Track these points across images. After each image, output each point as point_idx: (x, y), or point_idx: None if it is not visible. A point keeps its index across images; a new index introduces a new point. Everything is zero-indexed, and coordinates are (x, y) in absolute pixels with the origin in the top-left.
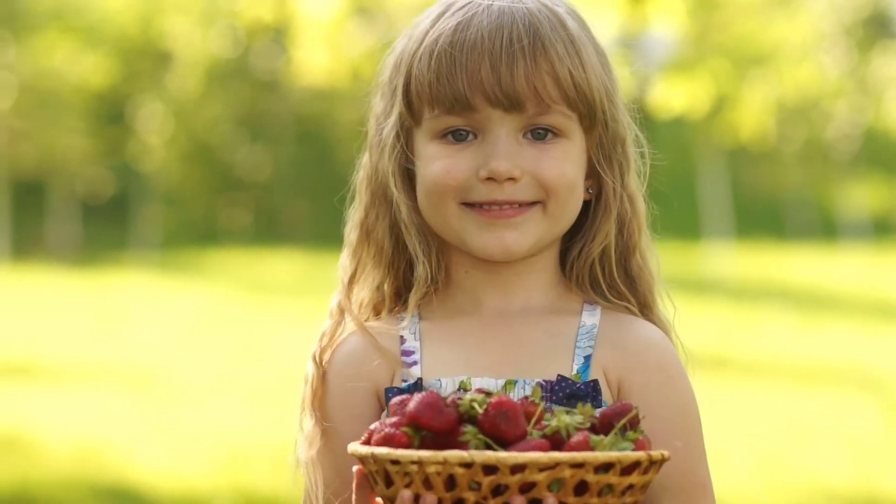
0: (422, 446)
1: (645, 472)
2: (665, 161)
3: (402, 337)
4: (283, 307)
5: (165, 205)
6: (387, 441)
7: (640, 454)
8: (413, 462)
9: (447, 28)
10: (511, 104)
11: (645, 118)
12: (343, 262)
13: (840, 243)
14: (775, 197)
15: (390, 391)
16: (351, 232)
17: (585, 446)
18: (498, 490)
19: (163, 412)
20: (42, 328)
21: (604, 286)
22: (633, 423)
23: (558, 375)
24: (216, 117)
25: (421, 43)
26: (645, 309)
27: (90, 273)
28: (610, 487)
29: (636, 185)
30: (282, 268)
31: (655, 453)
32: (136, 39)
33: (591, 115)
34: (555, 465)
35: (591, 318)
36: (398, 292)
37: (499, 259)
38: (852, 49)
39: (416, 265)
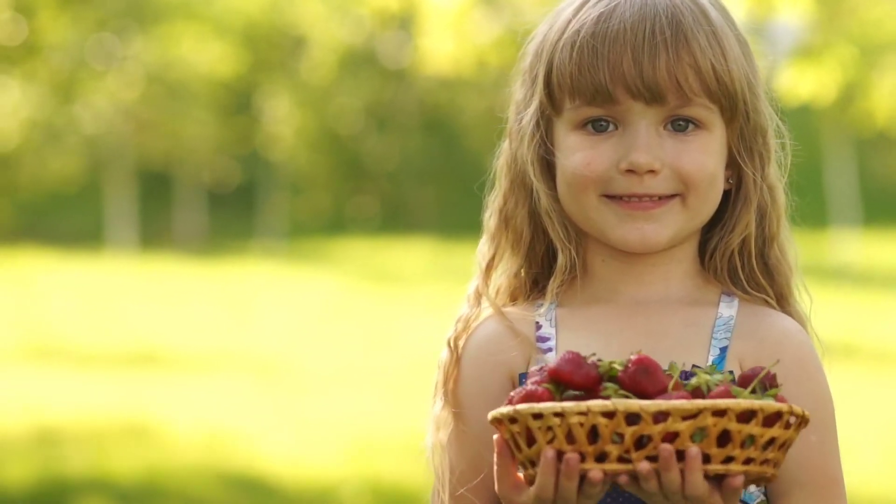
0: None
1: (787, 426)
2: (798, 146)
3: (538, 323)
4: (409, 296)
5: (292, 194)
6: (528, 398)
7: (782, 404)
8: (556, 414)
9: (590, 18)
10: (652, 96)
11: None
12: (481, 248)
13: None
14: None
15: (524, 376)
16: (490, 218)
17: (727, 395)
18: (641, 443)
19: (290, 401)
20: (169, 318)
21: (742, 277)
22: (773, 384)
23: (693, 366)
24: (345, 106)
25: (563, 32)
26: (782, 300)
27: (217, 262)
28: (752, 439)
29: (776, 176)
30: (408, 256)
31: (797, 407)
32: (263, 28)
33: (733, 107)
34: (697, 413)
35: (729, 309)
36: (536, 279)
37: (638, 251)
38: None
39: (556, 253)
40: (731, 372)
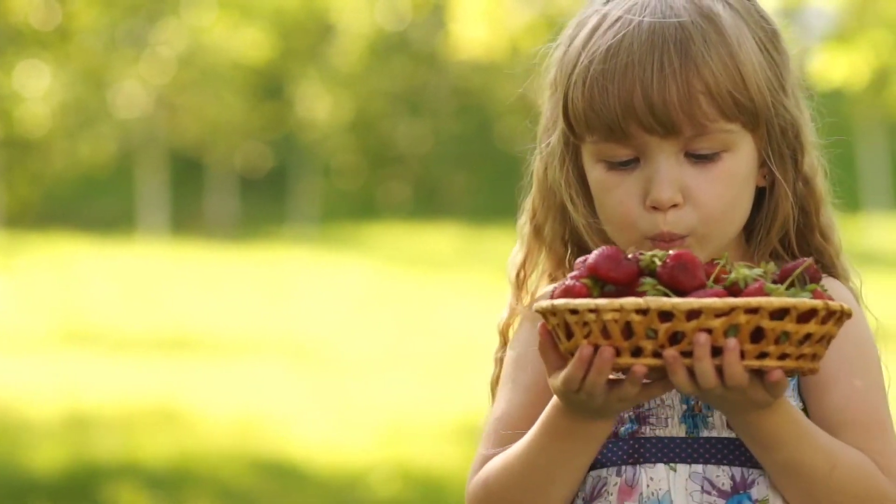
0: (603, 297)
1: (823, 321)
2: (830, 134)
3: None
4: (442, 280)
5: (324, 179)
6: (566, 293)
7: (816, 302)
8: (590, 310)
9: (599, 52)
10: (666, 131)
11: (808, 89)
12: (514, 256)
13: None
14: None
15: None
16: (524, 224)
17: (760, 293)
18: (675, 338)
19: (321, 386)
20: (201, 302)
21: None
22: (814, 278)
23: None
24: (377, 91)
25: (575, 65)
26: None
27: (249, 247)
28: (786, 335)
29: (811, 166)
30: (441, 241)
31: (834, 303)
32: (295, 13)
33: (755, 119)
34: (730, 311)
35: None
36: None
37: None
38: None
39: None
40: (775, 263)
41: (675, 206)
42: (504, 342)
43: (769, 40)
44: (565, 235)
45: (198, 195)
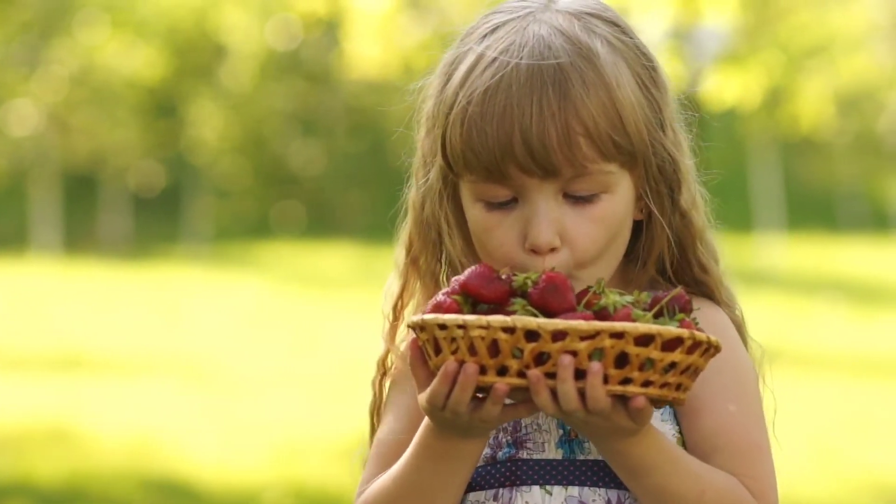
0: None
1: (689, 351)
2: (718, 154)
3: None
4: (336, 300)
5: (218, 198)
6: (437, 308)
7: (682, 330)
8: (458, 326)
9: (476, 94)
10: (546, 173)
11: (696, 111)
12: (390, 286)
13: (892, 235)
14: (827, 188)
15: None
16: (399, 253)
17: (627, 318)
18: (541, 359)
19: (215, 405)
20: (95, 321)
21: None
22: (684, 308)
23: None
24: (269, 110)
25: (453, 105)
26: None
27: (142, 266)
28: (651, 362)
29: (688, 201)
30: (335, 260)
31: (700, 334)
32: (189, 33)
33: (633, 158)
34: (595, 334)
35: None
36: None
37: None
38: None
39: None
40: (647, 293)
41: (553, 249)
42: (382, 372)
43: (648, 77)
44: (441, 268)
45: (91, 213)
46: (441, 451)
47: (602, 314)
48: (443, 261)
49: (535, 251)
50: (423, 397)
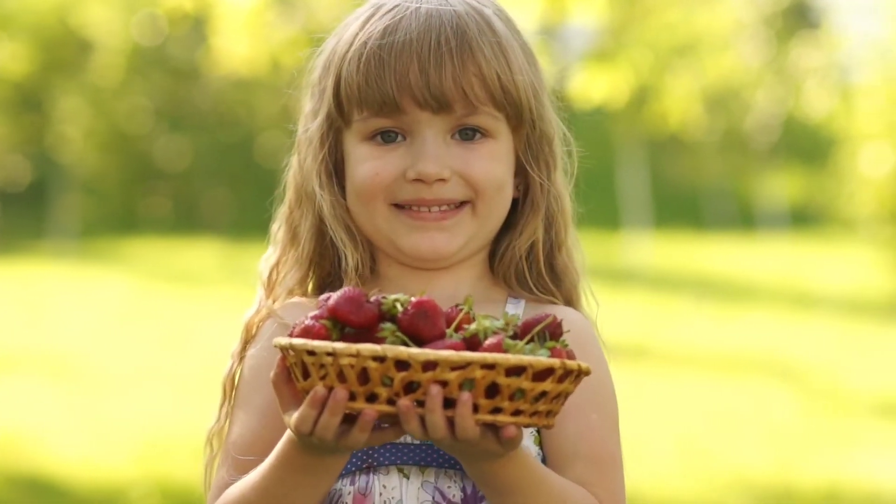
0: (342, 340)
1: (560, 380)
2: (586, 152)
3: None
4: (203, 296)
5: (84, 194)
6: (306, 333)
7: (552, 361)
8: (328, 354)
9: (376, 31)
10: (439, 106)
11: (564, 109)
12: (267, 258)
13: (758, 233)
14: (694, 187)
15: None
16: (278, 230)
17: (498, 348)
18: (410, 387)
19: (81, 401)
20: None
21: (530, 282)
22: (555, 334)
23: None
24: (136, 106)
25: (350, 45)
26: (570, 304)
27: (7, 262)
28: (522, 392)
29: (563, 183)
30: (201, 256)
31: (571, 362)
32: (54, 28)
33: (519, 115)
34: (466, 365)
35: (515, 308)
36: (321, 287)
37: (429, 260)
38: (772, 39)
39: (342, 259)
40: (517, 315)
41: (441, 180)
42: (246, 339)
43: (531, 56)
44: (318, 233)
45: None
46: (304, 465)
47: (472, 341)
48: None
49: (421, 180)
50: (291, 421)
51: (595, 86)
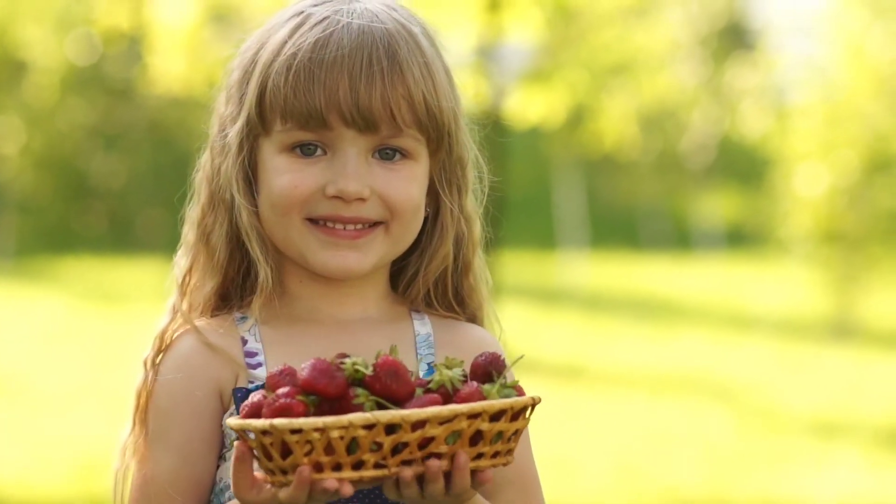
0: (316, 413)
1: (525, 416)
2: (520, 171)
3: (243, 338)
4: (138, 315)
5: (19, 213)
6: (284, 411)
7: (527, 398)
8: (317, 429)
9: (306, 43)
10: (366, 125)
11: (500, 129)
12: (178, 261)
13: (694, 253)
14: (630, 207)
15: (238, 391)
16: (189, 232)
17: (479, 396)
18: (397, 449)
19: (15, 421)
20: None
21: (435, 302)
22: (501, 369)
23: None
24: (71, 125)
25: (278, 54)
26: (473, 323)
27: None
28: (500, 434)
29: (473, 207)
30: (137, 275)
31: (536, 396)
32: None
33: (439, 139)
34: (454, 418)
35: (423, 326)
36: (225, 295)
37: (339, 278)
38: (708, 59)
39: (254, 270)
40: (460, 360)
41: (361, 199)
42: (159, 348)
43: (451, 77)
44: (230, 239)
45: None
46: None
47: (442, 392)
48: (232, 235)
49: (340, 197)
50: (276, 496)
51: (531, 105)
